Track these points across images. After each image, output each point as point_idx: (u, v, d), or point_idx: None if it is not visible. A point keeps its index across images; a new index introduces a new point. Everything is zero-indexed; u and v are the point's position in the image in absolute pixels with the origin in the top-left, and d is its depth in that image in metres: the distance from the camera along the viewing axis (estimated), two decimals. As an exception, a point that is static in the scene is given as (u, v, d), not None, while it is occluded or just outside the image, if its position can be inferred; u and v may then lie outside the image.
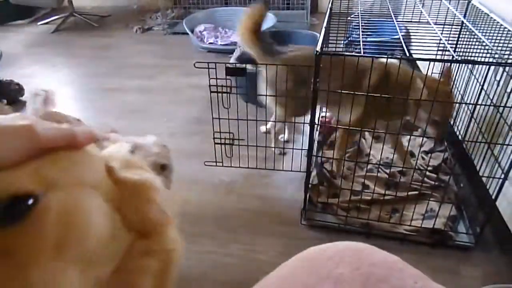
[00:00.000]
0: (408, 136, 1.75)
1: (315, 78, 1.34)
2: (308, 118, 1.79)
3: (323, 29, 1.47)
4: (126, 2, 5.08)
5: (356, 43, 2.28)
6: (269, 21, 3.65)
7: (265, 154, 1.96)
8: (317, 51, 1.29)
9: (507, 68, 1.47)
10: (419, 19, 2.01)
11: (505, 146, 1.43)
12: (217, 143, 1.94)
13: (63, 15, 4.51)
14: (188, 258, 1.56)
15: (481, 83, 1.68)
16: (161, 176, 0.97)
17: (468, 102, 1.79)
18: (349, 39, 2.90)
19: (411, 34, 1.84)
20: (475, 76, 1.78)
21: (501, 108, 1.48)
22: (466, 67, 1.94)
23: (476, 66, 1.76)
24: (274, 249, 1.61)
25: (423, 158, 2.05)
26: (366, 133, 2.16)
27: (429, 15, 1.82)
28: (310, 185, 1.73)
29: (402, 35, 1.42)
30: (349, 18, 2.25)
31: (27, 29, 4.46)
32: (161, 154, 1.33)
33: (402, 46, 1.31)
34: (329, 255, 0.52)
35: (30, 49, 3.85)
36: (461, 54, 1.89)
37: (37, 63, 3.53)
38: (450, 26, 2.00)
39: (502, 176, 1.40)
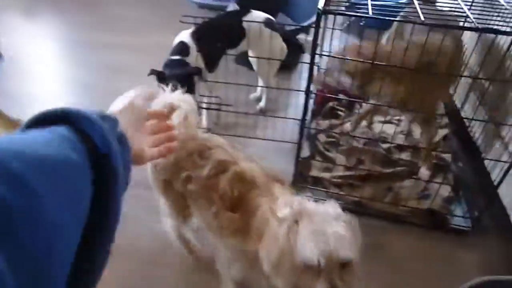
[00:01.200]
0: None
1: (314, 39, 1.18)
2: (303, 85, 1.66)
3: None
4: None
5: (360, 5, 2.10)
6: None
7: (255, 124, 1.82)
8: (319, 9, 1.13)
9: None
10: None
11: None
12: (203, 108, 1.79)
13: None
14: (170, 233, 1.46)
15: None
16: None
17: (482, 77, 1.64)
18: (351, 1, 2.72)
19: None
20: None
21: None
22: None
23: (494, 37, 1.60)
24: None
25: (421, 134, 1.92)
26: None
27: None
28: (301, 158, 1.61)
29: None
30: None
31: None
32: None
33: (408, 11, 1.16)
34: None
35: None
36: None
37: (16, 13, 3.27)
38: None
39: (510, 161, 1.28)
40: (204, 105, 1.79)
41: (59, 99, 2.20)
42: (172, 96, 1.07)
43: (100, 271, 0.40)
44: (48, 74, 2.45)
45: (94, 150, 0.39)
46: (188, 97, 1.06)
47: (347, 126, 1.90)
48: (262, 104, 2.04)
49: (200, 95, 1.74)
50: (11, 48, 2.63)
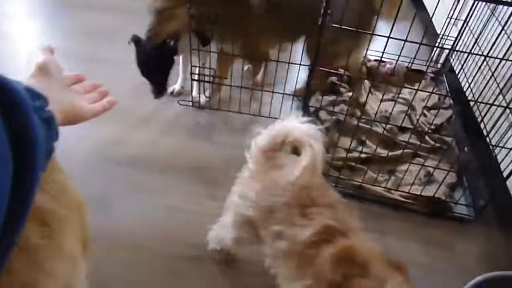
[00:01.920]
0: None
1: (326, 8, 1.05)
2: (301, 58, 1.53)
3: None
4: None
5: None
6: None
7: (250, 99, 1.69)
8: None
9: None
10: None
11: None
12: (195, 80, 1.63)
13: None
14: (153, 213, 1.35)
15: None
16: None
17: (491, 55, 1.54)
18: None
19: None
20: (504, 29, 1.51)
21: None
22: (493, 14, 1.67)
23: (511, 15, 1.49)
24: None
25: (424, 115, 1.84)
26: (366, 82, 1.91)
27: None
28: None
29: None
30: None
31: None
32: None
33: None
34: None
35: None
36: None
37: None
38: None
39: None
40: (196, 77, 1.64)
41: (29, 65, 2.02)
42: (297, 126, 0.87)
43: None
44: (19, 35, 2.25)
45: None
46: (317, 131, 0.85)
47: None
48: (258, 77, 1.91)
49: (192, 66, 1.59)
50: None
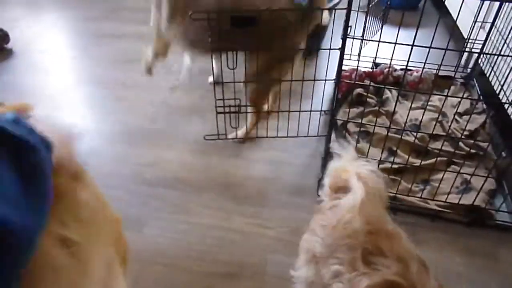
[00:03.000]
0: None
1: (347, 21, 1.06)
2: (326, 73, 1.53)
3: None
4: None
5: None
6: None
7: (278, 120, 1.69)
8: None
9: None
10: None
11: None
12: (220, 113, 1.63)
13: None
14: (188, 233, 1.38)
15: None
16: None
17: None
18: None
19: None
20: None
21: None
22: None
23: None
24: (285, 224, 1.40)
25: (457, 121, 1.79)
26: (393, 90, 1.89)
27: None
28: (330, 152, 1.49)
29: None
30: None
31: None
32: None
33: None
34: None
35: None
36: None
37: (22, 5, 3.19)
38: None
39: None
40: (220, 110, 1.63)
41: (70, 93, 2.12)
42: (346, 166, 0.86)
43: None
44: (57, 67, 2.37)
45: None
46: (369, 171, 0.83)
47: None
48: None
49: (216, 99, 1.59)
50: (20, 42, 2.56)
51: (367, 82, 1.97)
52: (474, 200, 1.38)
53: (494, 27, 1.81)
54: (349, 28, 1.08)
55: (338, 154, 0.91)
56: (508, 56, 1.48)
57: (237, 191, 1.53)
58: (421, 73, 1.86)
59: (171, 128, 1.84)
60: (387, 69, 2.00)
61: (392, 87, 1.87)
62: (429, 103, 1.82)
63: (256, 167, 1.63)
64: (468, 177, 1.45)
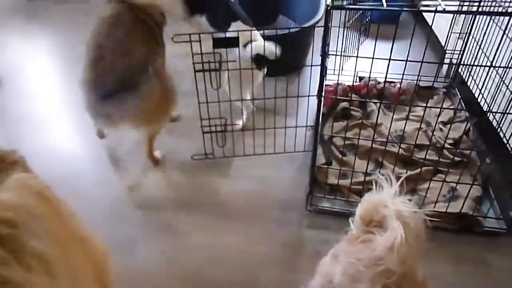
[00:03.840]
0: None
1: (324, 38, 1.08)
2: (309, 89, 1.55)
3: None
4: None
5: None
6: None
7: (264, 138, 1.70)
8: (328, 5, 1.03)
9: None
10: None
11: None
12: (206, 132, 1.65)
13: (39, -21, 4.11)
14: (178, 253, 1.37)
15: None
16: None
17: (498, 65, 1.53)
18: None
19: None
20: (506, 34, 1.52)
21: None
22: (492, 21, 1.67)
23: (509, 20, 1.49)
24: (275, 239, 1.40)
25: (441, 130, 1.82)
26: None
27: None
28: (317, 166, 1.50)
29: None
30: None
31: (0, -5, 4.08)
32: None
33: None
34: None
35: (3, 17, 3.50)
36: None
37: (11, 32, 3.20)
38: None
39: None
40: (206, 129, 1.64)
41: (57, 117, 2.12)
42: (385, 201, 0.81)
43: None
44: (44, 92, 2.37)
45: None
46: (411, 211, 0.78)
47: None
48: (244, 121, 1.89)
49: (202, 119, 1.61)
50: (8, 68, 2.57)
51: (351, 95, 2.01)
52: (462, 207, 1.39)
53: (471, 36, 1.86)
54: (326, 46, 1.11)
55: (380, 186, 0.88)
56: (482, 66, 1.53)
57: (227, 209, 1.53)
58: (401, 85, 1.89)
59: (158, 149, 1.84)
60: (371, 82, 2.03)
61: (375, 101, 1.90)
62: (412, 113, 1.85)
63: (245, 184, 1.64)
64: (455, 185, 1.47)
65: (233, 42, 1.42)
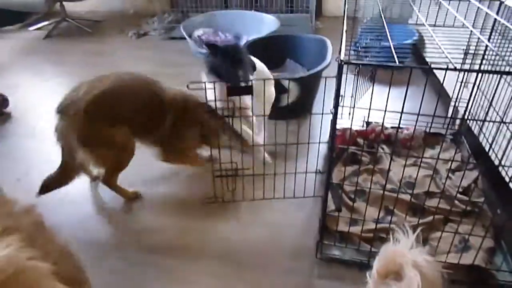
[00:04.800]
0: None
1: (338, 91, 1.12)
2: (320, 135, 1.57)
3: (344, 33, 1.25)
4: (121, 6, 4.87)
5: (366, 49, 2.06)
6: (272, 25, 3.45)
7: (274, 182, 1.71)
8: (341, 60, 1.07)
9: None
10: (435, 22, 1.79)
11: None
12: (218, 176, 1.67)
13: (55, 20, 4.29)
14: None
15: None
16: None
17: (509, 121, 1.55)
18: (356, 44, 2.70)
19: (425, 39, 1.62)
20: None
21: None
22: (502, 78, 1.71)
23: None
24: (284, 288, 1.38)
25: (450, 178, 1.82)
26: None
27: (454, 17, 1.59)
28: (327, 213, 1.50)
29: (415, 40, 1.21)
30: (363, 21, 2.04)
31: (18, 35, 4.24)
32: None
33: (414, 52, 1.10)
34: None
35: (19, 57, 3.63)
36: (492, 63, 1.68)
37: (25, 71, 3.31)
38: (478, 30, 1.79)
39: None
40: (217, 173, 1.67)
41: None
42: (402, 252, 0.81)
43: None
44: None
45: None
46: (425, 260, 0.78)
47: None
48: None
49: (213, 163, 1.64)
50: (19, 107, 2.62)
51: (359, 140, 2.03)
52: (474, 259, 1.37)
53: (476, 88, 1.90)
54: (340, 98, 1.14)
55: (396, 238, 0.87)
56: (490, 121, 1.54)
57: (236, 257, 1.51)
58: (414, 133, 1.92)
59: (167, 192, 1.85)
60: (378, 128, 2.06)
61: (384, 146, 1.92)
62: (422, 160, 1.85)
63: (254, 231, 1.62)
64: (466, 236, 1.46)
65: (247, 90, 1.46)
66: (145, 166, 2.02)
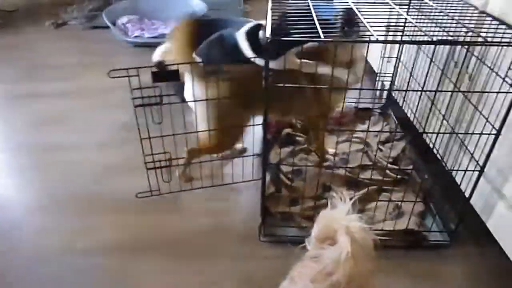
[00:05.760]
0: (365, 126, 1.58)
1: (267, 71, 1.10)
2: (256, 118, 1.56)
3: (270, 11, 1.23)
4: (35, -6, 4.47)
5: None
6: (199, 8, 3.36)
7: (212, 170, 1.68)
8: (267, 38, 1.05)
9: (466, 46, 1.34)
10: None
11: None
12: (150, 168, 1.59)
13: (-42, 11, 3.83)
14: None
15: (442, 68, 1.54)
16: None
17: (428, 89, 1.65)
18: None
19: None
20: (432, 61, 1.64)
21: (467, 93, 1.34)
22: (419, 49, 1.81)
23: (434, 48, 1.62)
24: (235, 275, 1.35)
25: (380, 150, 1.90)
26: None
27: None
28: (266, 195, 1.50)
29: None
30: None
31: None
32: None
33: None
34: None
35: None
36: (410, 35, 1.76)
37: None
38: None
39: (478, 169, 1.26)
40: (150, 165, 1.58)
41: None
42: (334, 216, 0.84)
43: None
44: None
45: None
46: (358, 224, 0.80)
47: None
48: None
49: (145, 155, 1.55)
50: None
51: (294, 121, 2.05)
52: (407, 224, 1.45)
53: (399, 61, 2.00)
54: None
55: (334, 204, 0.89)
56: (412, 90, 1.63)
57: (181, 249, 1.46)
58: (342, 109, 1.97)
59: (99, 190, 1.74)
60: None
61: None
62: (353, 135, 1.92)
63: (196, 220, 1.58)
64: (399, 203, 1.53)
65: (174, 75, 1.39)
66: (71, 165, 1.89)
